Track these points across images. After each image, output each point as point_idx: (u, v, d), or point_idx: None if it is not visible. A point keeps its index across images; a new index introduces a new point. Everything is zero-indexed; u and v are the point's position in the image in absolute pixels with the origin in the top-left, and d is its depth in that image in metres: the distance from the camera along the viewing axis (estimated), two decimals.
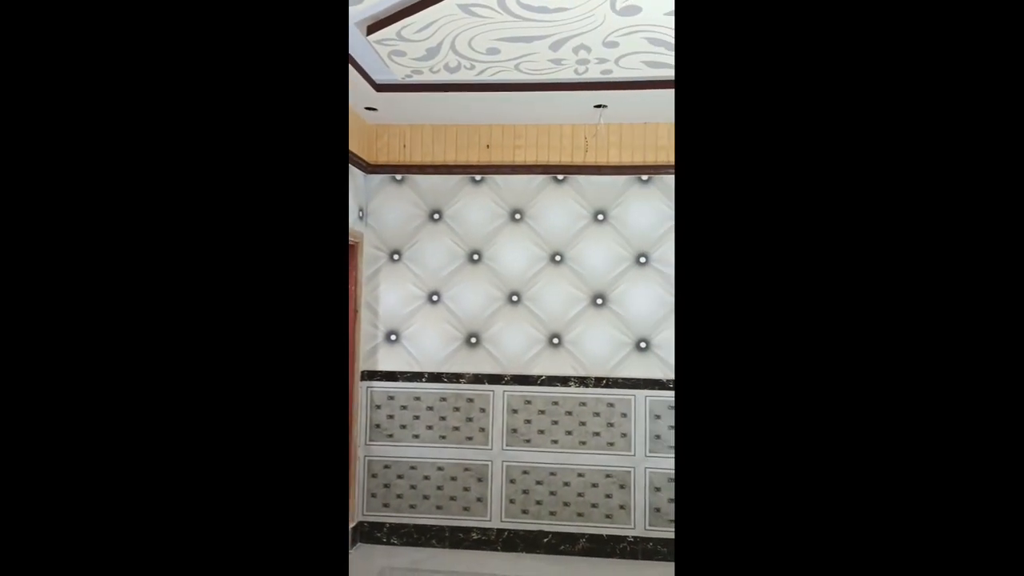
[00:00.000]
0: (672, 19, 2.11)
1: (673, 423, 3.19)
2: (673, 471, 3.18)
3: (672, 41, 2.27)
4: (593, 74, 2.60)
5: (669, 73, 2.58)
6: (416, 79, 2.70)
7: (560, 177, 3.30)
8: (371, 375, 3.33)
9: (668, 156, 3.21)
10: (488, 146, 3.31)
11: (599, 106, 2.94)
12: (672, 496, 3.16)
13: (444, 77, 2.67)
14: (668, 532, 3.15)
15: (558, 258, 3.28)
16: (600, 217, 3.27)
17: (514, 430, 3.26)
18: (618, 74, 2.60)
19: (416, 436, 3.29)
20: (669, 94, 2.76)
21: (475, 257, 3.31)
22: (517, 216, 3.31)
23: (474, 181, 3.34)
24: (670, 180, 3.23)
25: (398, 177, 3.37)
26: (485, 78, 2.67)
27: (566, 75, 2.62)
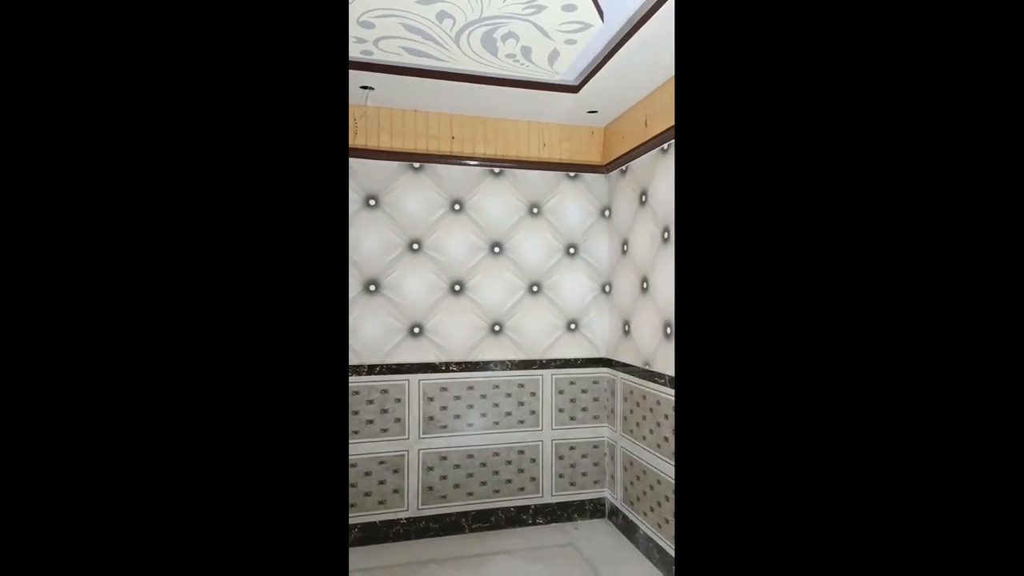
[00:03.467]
0: (424, 8, 2.14)
1: (444, 404, 3.31)
2: (444, 449, 3.31)
3: (427, 31, 2.31)
4: (353, 53, 2.52)
5: (430, 62, 2.62)
6: None
7: None
8: None
9: (439, 146, 3.29)
10: None
11: (365, 87, 2.87)
12: (443, 473, 3.29)
13: None
14: (439, 509, 3.27)
15: None
16: (372, 203, 3.21)
17: None
18: (379, 57, 2.56)
19: None
20: (438, 84, 2.81)
21: None
22: None
23: None
24: (442, 169, 3.31)
25: None
26: None
27: None
